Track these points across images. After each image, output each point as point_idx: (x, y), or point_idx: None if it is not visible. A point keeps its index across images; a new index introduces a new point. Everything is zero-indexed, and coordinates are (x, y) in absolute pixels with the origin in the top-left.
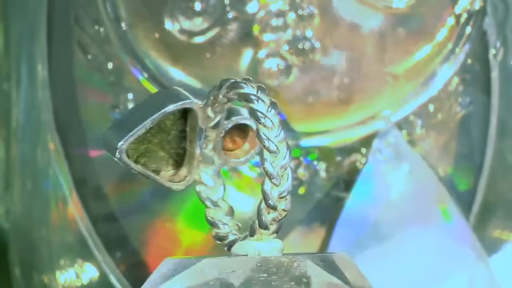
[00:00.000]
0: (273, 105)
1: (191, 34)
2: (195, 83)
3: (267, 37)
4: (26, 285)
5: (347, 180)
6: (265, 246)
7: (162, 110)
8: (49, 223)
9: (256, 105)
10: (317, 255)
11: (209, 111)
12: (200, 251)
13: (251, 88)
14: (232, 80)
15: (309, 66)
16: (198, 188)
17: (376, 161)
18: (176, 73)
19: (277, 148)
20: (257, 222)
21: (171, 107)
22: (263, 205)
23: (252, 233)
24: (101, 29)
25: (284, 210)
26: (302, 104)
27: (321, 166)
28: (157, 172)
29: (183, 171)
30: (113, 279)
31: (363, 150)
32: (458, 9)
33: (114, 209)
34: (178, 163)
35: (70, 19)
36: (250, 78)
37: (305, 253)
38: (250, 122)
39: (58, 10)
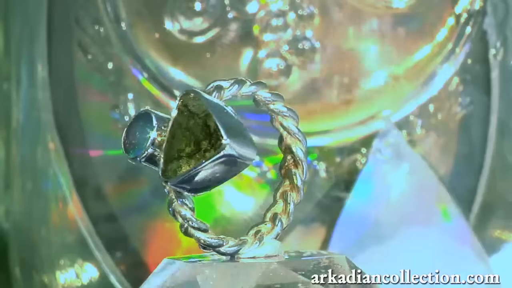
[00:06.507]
0: None
1: (191, 34)
2: (195, 83)
3: (267, 37)
4: (26, 285)
5: (347, 180)
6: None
7: None
8: (49, 223)
9: None
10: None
11: None
12: (200, 251)
13: None
14: None
15: (309, 66)
16: None
17: (376, 161)
18: (176, 73)
19: None
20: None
21: None
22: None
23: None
24: (101, 29)
25: None
26: (302, 104)
27: (321, 166)
28: None
29: None
30: (113, 279)
31: (363, 150)
32: (458, 9)
33: (114, 209)
34: None
35: (70, 19)
36: None
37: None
38: None
39: (58, 10)
